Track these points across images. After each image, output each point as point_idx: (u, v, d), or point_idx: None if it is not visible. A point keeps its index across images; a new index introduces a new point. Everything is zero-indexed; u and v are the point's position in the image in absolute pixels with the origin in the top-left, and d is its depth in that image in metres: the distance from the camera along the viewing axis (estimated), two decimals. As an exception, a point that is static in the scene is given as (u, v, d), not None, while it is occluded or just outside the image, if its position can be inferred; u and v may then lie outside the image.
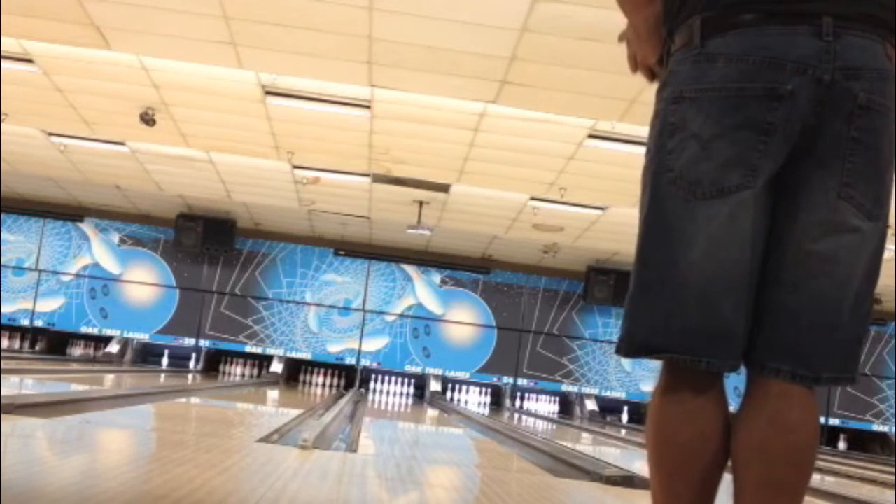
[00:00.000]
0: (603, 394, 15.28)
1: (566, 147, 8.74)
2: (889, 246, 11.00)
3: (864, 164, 1.63)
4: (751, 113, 1.61)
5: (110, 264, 14.81)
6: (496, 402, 15.32)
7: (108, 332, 14.67)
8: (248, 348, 14.85)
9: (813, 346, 1.65)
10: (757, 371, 1.70)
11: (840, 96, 1.62)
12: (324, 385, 14.94)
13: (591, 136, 8.31)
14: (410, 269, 15.18)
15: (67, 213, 14.77)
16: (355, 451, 5.24)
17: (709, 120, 1.63)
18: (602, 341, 15.31)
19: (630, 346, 1.70)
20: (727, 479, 1.74)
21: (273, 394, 11.88)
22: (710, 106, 1.63)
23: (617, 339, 1.74)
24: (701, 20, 1.67)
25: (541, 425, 11.70)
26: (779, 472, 1.64)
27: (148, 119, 8.91)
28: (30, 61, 7.99)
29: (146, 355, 15.11)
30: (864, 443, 15.54)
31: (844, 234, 1.63)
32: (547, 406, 15.44)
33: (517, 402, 15.26)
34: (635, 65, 1.88)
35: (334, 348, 15.00)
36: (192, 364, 14.92)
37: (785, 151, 1.62)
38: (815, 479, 7.58)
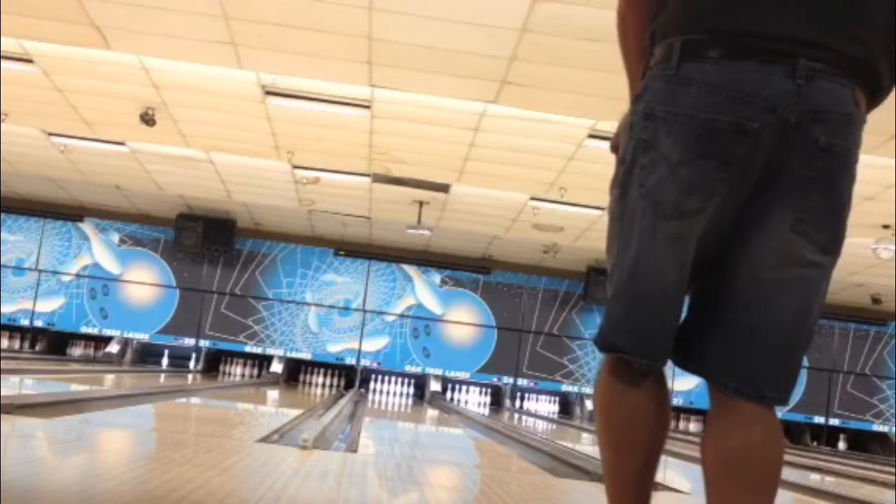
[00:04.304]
0: (603, 394, 15.23)
1: (566, 147, 8.74)
2: (889, 246, 11.01)
3: (821, 202, 1.72)
4: (716, 144, 1.69)
5: (110, 264, 14.81)
6: (496, 402, 15.32)
7: (108, 332, 14.67)
8: (248, 348, 14.85)
9: (759, 367, 1.74)
10: (710, 383, 1.81)
11: (803, 137, 1.69)
12: (324, 385, 14.94)
13: (591, 136, 8.31)
14: (410, 269, 15.18)
15: (67, 213, 14.77)
16: (355, 451, 5.24)
17: (677, 145, 1.72)
18: (602, 341, 15.28)
19: (601, 344, 1.85)
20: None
21: (273, 394, 11.88)
22: (680, 130, 1.72)
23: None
24: (682, 42, 1.75)
25: (541, 425, 11.70)
26: (742, 489, 1.72)
27: (148, 119, 8.91)
28: (30, 61, 7.99)
29: (146, 355, 15.11)
30: (864, 443, 15.53)
31: (797, 266, 1.73)
32: (547, 406, 15.44)
33: (517, 402, 15.26)
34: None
35: (334, 348, 15.00)
36: (192, 364, 14.91)
37: (748, 182, 1.71)
38: (815, 478, 7.58)
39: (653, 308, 1.77)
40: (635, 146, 1.78)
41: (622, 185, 1.83)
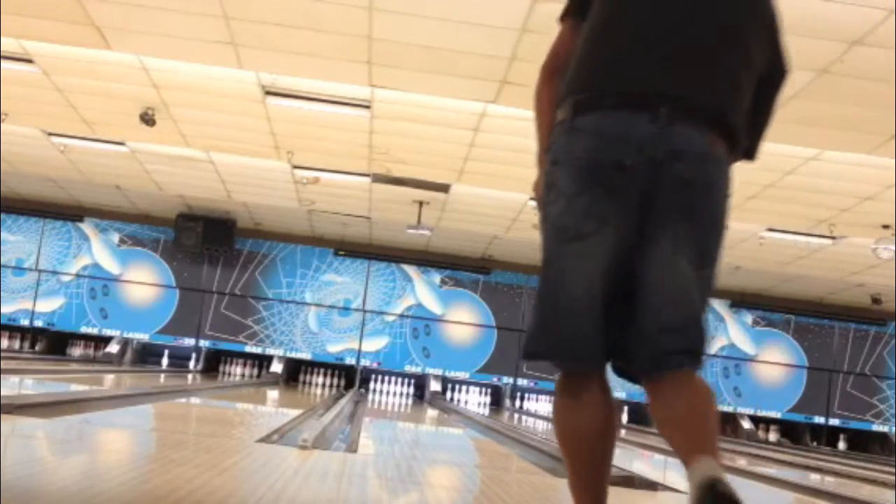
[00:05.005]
0: (603, 394, 15.25)
1: (566, 147, 8.73)
2: (889, 246, 11.02)
3: (690, 226, 2.10)
4: (602, 178, 2.10)
5: (110, 264, 14.81)
6: (496, 402, 15.31)
7: (108, 332, 14.67)
8: (248, 348, 14.85)
9: (663, 356, 2.11)
10: (640, 374, 2.18)
11: (668, 172, 2.08)
12: (324, 385, 14.94)
13: (591, 136, 8.30)
14: (410, 269, 15.18)
15: (67, 213, 14.77)
16: (355, 451, 5.24)
17: (573, 181, 2.12)
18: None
19: (522, 354, 2.21)
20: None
21: (273, 394, 11.88)
22: (575, 170, 2.13)
23: None
24: (573, 102, 2.18)
25: (541, 425, 11.70)
26: (689, 431, 2.08)
27: (148, 119, 8.91)
28: (30, 61, 7.99)
29: (146, 355, 15.11)
30: (864, 443, 15.53)
31: (680, 278, 2.10)
32: (547, 406, 15.40)
33: (517, 402, 15.26)
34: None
35: (334, 348, 15.00)
36: (192, 364, 14.91)
37: (632, 209, 2.09)
38: (815, 478, 7.59)
39: (564, 317, 2.10)
40: (545, 188, 2.20)
41: (542, 222, 2.21)
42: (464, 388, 15.36)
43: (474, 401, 15.28)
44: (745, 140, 2.24)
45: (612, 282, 2.10)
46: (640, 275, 2.10)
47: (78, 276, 14.74)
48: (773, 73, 2.30)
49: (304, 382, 15.01)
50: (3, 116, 9.38)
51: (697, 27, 2.18)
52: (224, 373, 14.90)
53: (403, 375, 15.20)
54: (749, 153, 2.33)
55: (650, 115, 2.09)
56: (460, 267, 15.22)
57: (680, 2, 2.21)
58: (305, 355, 14.97)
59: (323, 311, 15.02)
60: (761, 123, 2.33)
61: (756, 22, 2.25)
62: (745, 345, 15.60)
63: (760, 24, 2.26)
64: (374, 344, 15.03)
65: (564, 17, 2.37)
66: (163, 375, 13.39)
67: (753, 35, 2.23)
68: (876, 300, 14.70)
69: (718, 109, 2.15)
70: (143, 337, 14.76)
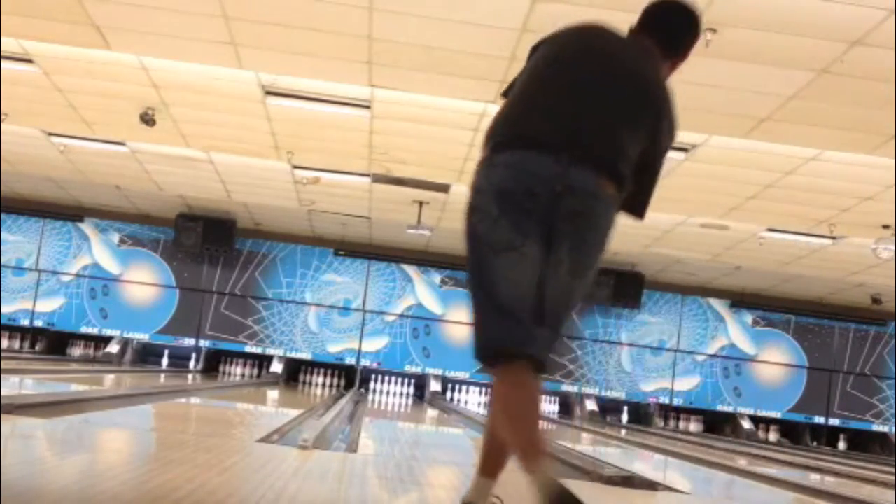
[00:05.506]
0: (603, 394, 15.28)
1: (566, 147, 8.73)
2: (889, 246, 10.99)
3: (579, 246, 2.59)
4: (518, 202, 2.56)
5: (110, 264, 14.81)
6: (496, 402, 15.27)
7: (108, 332, 14.67)
8: (248, 348, 14.85)
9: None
10: None
11: (564, 203, 2.56)
12: (324, 385, 14.94)
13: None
14: (410, 270, 15.18)
15: (67, 213, 14.77)
16: (355, 451, 5.24)
17: (494, 205, 2.57)
18: (602, 341, 15.32)
19: (483, 355, 2.67)
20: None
21: (273, 394, 11.89)
22: (495, 196, 2.58)
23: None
24: (493, 142, 2.68)
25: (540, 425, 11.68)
26: None
27: (148, 119, 8.91)
28: (30, 61, 7.99)
29: (146, 355, 15.10)
30: (864, 443, 15.53)
31: (573, 289, 2.62)
32: (547, 406, 15.43)
33: (517, 402, 15.21)
34: None
35: (334, 348, 15.00)
36: (192, 364, 14.91)
37: (541, 228, 2.55)
38: (815, 478, 7.59)
39: (507, 313, 2.55)
40: (469, 209, 2.62)
41: (466, 236, 2.62)
42: (464, 388, 15.36)
43: (474, 401, 15.27)
44: (630, 187, 2.69)
45: (539, 283, 2.54)
46: (540, 281, 2.57)
47: (78, 276, 14.74)
48: (657, 142, 2.75)
49: (304, 382, 15.01)
50: (3, 116, 9.38)
51: (597, 94, 2.69)
52: (224, 373, 14.90)
53: (403, 375, 15.20)
54: (638, 210, 2.80)
55: (554, 158, 2.57)
56: (460, 267, 15.12)
57: (583, 75, 2.75)
58: (305, 355, 14.96)
59: (323, 311, 15.01)
60: (648, 183, 2.77)
61: (645, 98, 2.73)
62: (745, 345, 15.60)
63: (648, 99, 2.74)
64: (374, 344, 15.03)
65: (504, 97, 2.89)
66: (163, 375, 13.40)
67: (642, 110, 2.71)
68: (876, 300, 14.70)
69: (607, 159, 2.62)
70: (143, 337, 14.76)
